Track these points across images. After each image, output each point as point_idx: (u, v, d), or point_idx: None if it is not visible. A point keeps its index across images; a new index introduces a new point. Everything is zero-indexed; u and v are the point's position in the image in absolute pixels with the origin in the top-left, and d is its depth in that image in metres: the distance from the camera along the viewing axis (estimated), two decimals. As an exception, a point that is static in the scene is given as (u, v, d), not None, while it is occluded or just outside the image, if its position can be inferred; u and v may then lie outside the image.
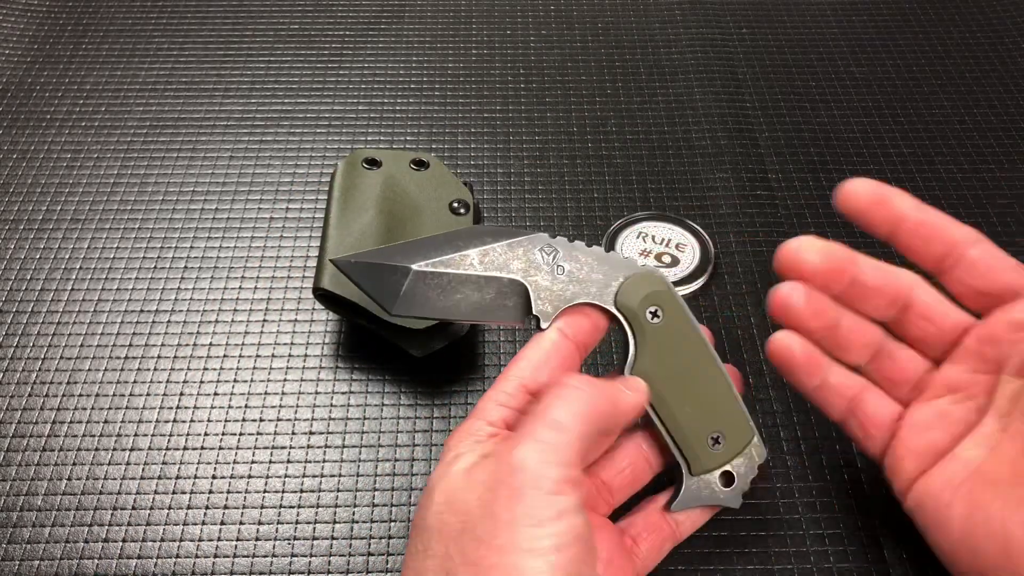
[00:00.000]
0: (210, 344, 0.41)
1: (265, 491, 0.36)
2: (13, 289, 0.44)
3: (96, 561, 0.34)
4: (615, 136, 0.52)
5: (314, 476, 0.37)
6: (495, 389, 0.29)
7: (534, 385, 0.29)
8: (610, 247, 0.45)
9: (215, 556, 0.34)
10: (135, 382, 0.40)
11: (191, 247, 0.46)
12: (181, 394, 0.39)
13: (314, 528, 0.35)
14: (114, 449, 0.37)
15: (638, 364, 0.31)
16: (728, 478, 0.32)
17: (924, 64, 0.57)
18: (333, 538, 0.35)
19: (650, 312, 0.31)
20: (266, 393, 0.40)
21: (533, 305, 0.31)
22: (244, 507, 0.36)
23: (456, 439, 0.28)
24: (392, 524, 0.35)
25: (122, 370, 0.40)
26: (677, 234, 0.46)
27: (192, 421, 0.39)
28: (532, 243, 0.31)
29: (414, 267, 0.30)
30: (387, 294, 0.31)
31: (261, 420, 0.39)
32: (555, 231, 0.46)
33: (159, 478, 0.37)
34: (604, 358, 0.41)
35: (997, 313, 0.29)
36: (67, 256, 0.45)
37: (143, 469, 0.37)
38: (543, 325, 0.31)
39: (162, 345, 0.41)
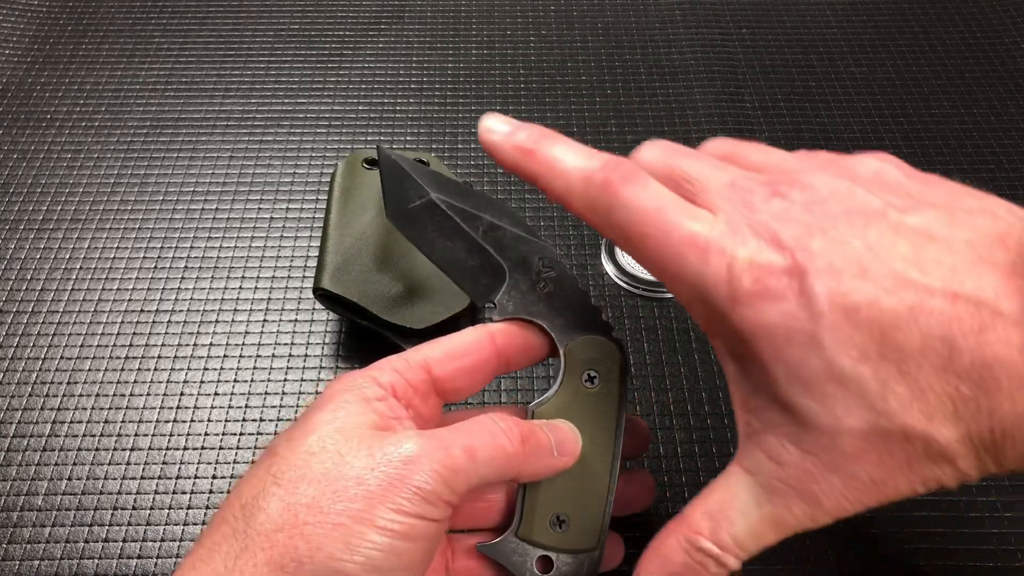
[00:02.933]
0: (210, 344, 0.41)
1: (265, 491, 0.36)
2: (13, 289, 0.44)
3: (96, 561, 0.34)
4: (615, 136, 0.52)
5: (314, 476, 0.37)
6: (398, 356, 0.29)
7: (438, 371, 0.29)
8: (610, 249, 0.45)
9: (215, 556, 0.34)
10: (135, 382, 0.40)
11: (191, 247, 0.46)
12: (181, 394, 0.40)
13: (314, 528, 0.35)
14: (114, 449, 0.37)
15: (546, 407, 0.30)
16: (546, 564, 0.30)
17: (924, 64, 0.57)
18: (333, 538, 0.35)
19: (589, 374, 0.30)
20: (266, 393, 0.40)
21: (499, 294, 0.30)
22: (244, 507, 0.36)
23: (341, 387, 0.27)
24: (392, 524, 0.35)
25: (122, 370, 0.40)
26: (677, 234, 0.46)
27: (192, 421, 0.39)
28: (538, 249, 0.31)
29: (432, 195, 0.30)
30: (396, 200, 0.31)
31: (261, 420, 0.39)
32: (555, 231, 0.46)
33: (159, 478, 0.37)
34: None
35: None
36: (67, 256, 0.45)
37: (143, 469, 0.37)
38: (494, 316, 0.30)
39: (162, 345, 0.41)
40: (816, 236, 0.22)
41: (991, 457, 0.21)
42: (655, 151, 0.27)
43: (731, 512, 0.24)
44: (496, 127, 0.28)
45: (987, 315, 0.20)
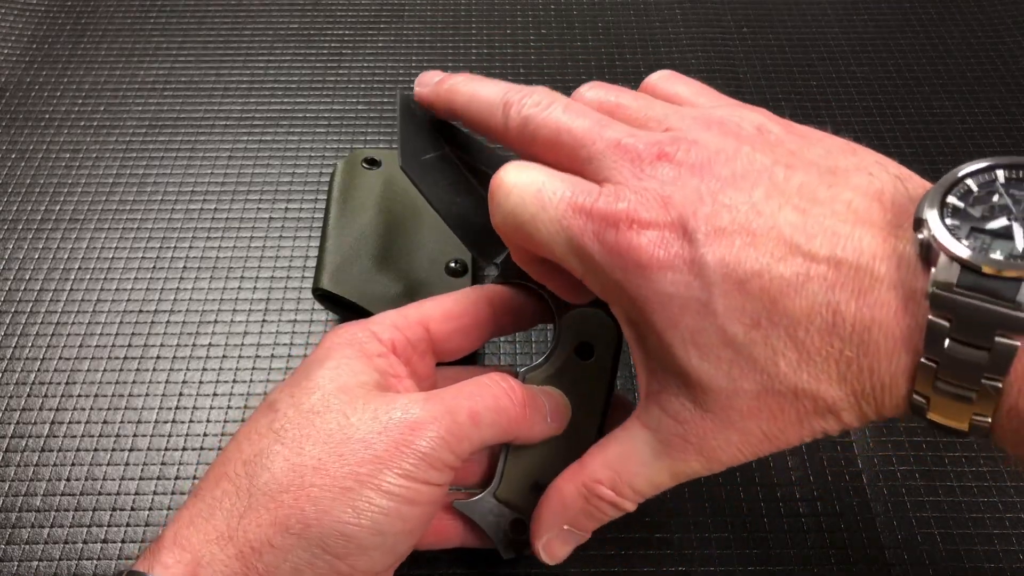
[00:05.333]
0: (210, 344, 0.41)
1: (265, 492, 0.36)
2: (12, 289, 0.43)
3: (95, 562, 0.34)
4: (615, 136, 0.52)
5: (314, 477, 0.37)
6: (398, 311, 0.29)
7: (436, 330, 0.29)
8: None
9: (214, 557, 0.34)
10: (135, 382, 0.40)
11: (191, 247, 0.46)
12: (181, 394, 0.39)
13: (314, 529, 0.35)
14: (113, 449, 0.37)
15: (536, 374, 0.30)
16: (519, 527, 0.30)
17: (924, 64, 0.57)
18: (333, 539, 0.35)
19: (584, 346, 0.30)
20: (266, 393, 0.39)
21: (502, 256, 0.30)
22: (243, 508, 0.36)
23: (340, 340, 0.27)
24: (392, 525, 0.35)
25: (122, 370, 0.40)
26: (677, 234, 0.45)
27: (192, 421, 0.38)
28: None
29: (447, 149, 0.30)
30: (411, 148, 0.30)
31: (261, 420, 0.38)
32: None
33: (159, 478, 0.36)
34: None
35: None
36: (67, 256, 0.45)
37: (143, 469, 0.37)
38: (496, 278, 0.30)
39: (162, 345, 0.41)
40: (705, 201, 0.22)
41: (872, 408, 0.22)
42: (550, 110, 0.26)
43: (631, 464, 0.25)
44: (425, 80, 0.30)
45: (866, 279, 0.21)
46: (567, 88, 0.29)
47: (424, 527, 0.26)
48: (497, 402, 0.27)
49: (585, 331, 0.30)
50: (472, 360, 0.40)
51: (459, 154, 0.30)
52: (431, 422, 0.25)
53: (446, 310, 0.29)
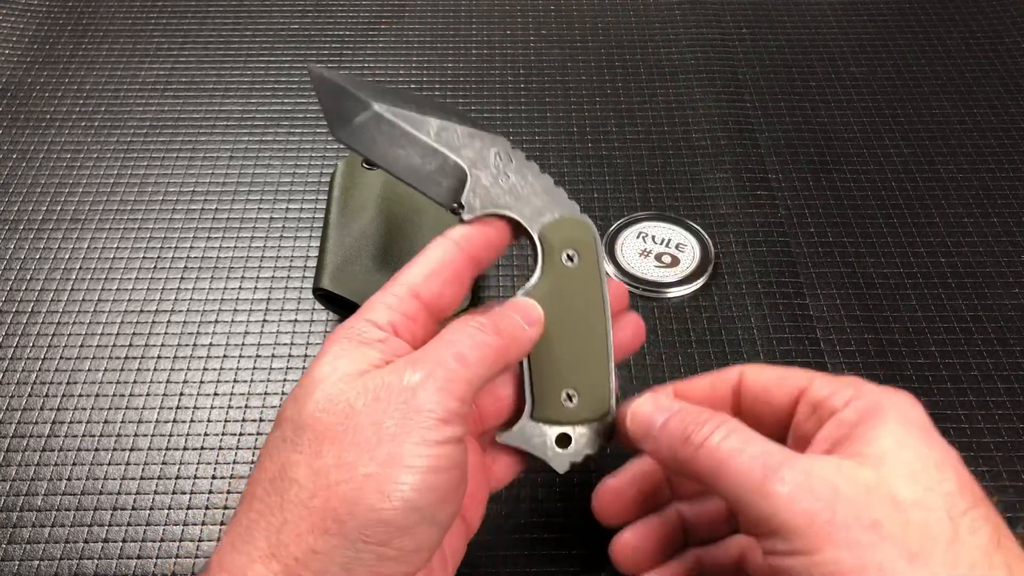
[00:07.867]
0: (210, 344, 0.41)
1: (265, 491, 0.36)
2: (13, 289, 0.44)
3: (96, 561, 0.34)
4: (615, 136, 0.52)
5: (314, 476, 0.37)
6: (384, 292, 0.29)
7: (425, 293, 0.29)
8: (610, 247, 0.45)
9: (215, 556, 0.34)
10: (135, 382, 0.40)
11: (191, 247, 0.46)
12: (181, 394, 0.39)
13: (314, 528, 0.35)
14: (114, 449, 0.37)
15: (533, 292, 0.30)
16: (564, 440, 0.31)
17: (924, 64, 0.57)
18: (333, 538, 0.35)
19: (567, 254, 0.31)
20: (266, 393, 0.40)
21: (464, 193, 0.30)
22: (244, 507, 0.36)
23: (340, 335, 0.27)
24: (392, 524, 0.35)
25: (122, 370, 0.40)
26: (677, 234, 0.46)
27: (192, 421, 0.39)
28: (492, 142, 0.31)
29: (375, 107, 0.30)
30: (340, 118, 0.30)
31: (261, 420, 0.39)
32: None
33: (159, 478, 0.37)
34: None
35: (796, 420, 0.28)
36: (67, 256, 0.45)
37: (143, 469, 0.37)
38: (464, 216, 0.30)
39: (162, 345, 0.41)
40: None
41: None
42: None
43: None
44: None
45: None
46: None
47: (460, 491, 0.26)
48: (474, 339, 0.27)
49: (564, 238, 0.31)
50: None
51: (388, 107, 0.30)
52: (426, 379, 0.25)
53: (426, 271, 0.29)
